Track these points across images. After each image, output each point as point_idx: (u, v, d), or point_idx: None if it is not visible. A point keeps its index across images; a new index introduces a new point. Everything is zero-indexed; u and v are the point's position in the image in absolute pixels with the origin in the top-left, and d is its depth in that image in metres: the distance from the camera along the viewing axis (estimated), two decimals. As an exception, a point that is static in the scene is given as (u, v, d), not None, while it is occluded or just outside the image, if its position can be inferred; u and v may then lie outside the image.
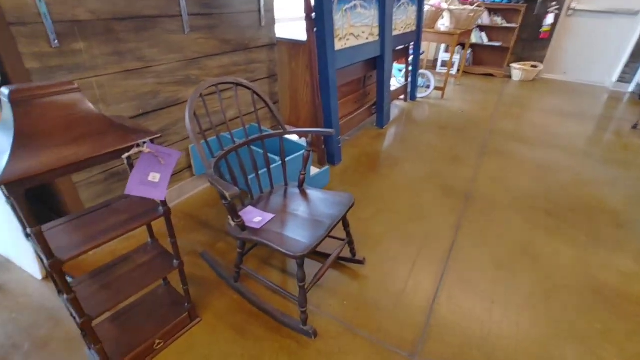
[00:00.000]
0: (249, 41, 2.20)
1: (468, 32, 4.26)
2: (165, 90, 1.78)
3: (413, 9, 3.40)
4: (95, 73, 1.48)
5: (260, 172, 1.66)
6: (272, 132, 1.47)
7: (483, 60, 5.55)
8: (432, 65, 5.82)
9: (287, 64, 2.57)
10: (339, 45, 2.31)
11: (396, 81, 4.39)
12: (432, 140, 3.00)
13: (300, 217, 1.29)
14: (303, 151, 1.66)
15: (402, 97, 4.02)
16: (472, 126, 3.35)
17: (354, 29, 2.46)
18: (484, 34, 5.29)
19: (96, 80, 1.49)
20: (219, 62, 2.03)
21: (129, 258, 1.16)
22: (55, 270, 0.83)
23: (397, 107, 3.85)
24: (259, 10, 2.20)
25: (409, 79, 3.95)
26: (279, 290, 1.32)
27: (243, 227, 1.21)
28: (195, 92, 1.21)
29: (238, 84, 1.37)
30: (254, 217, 1.30)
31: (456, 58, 5.20)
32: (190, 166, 2.07)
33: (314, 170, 2.24)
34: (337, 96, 2.39)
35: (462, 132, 3.20)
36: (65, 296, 0.87)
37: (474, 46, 5.41)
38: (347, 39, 2.40)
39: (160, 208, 1.02)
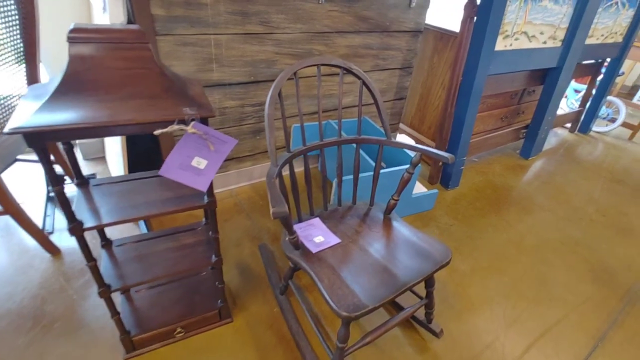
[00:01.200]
0: (391, 23, 1.88)
1: None
2: (282, 61, 1.64)
3: (628, 13, 2.49)
4: (215, 30, 1.42)
5: (344, 178, 1.40)
6: (369, 137, 1.17)
7: None
8: (628, 94, 4.42)
9: (429, 58, 2.16)
10: (502, 44, 1.79)
11: (566, 104, 3.44)
12: (594, 194, 2.21)
13: (371, 256, 0.99)
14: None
15: (568, 125, 3.12)
16: (668, 191, 2.35)
17: (530, 27, 1.87)
18: None
19: (215, 37, 1.43)
20: (349, 41, 1.78)
21: (176, 234, 1.07)
22: (76, 234, 0.75)
23: (556, 136, 3.01)
24: (412, -11, 1.84)
25: (587, 105, 3.01)
26: (315, 330, 1.08)
27: (297, 245, 0.98)
28: (288, 70, 0.99)
29: (347, 70, 1.10)
30: (316, 234, 1.06)
31: (671, 90, 3.79)
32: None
33: (419, 188, 1.86)
34: (477, 108, 1.89)
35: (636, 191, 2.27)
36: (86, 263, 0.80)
37: None
38: (516, 39, 1.85)
39: (205, 197, 0.86)
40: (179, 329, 1.08)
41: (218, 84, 1.53)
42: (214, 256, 1.00)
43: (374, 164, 1.55)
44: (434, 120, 2.23)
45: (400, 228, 1.12)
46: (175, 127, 0.66)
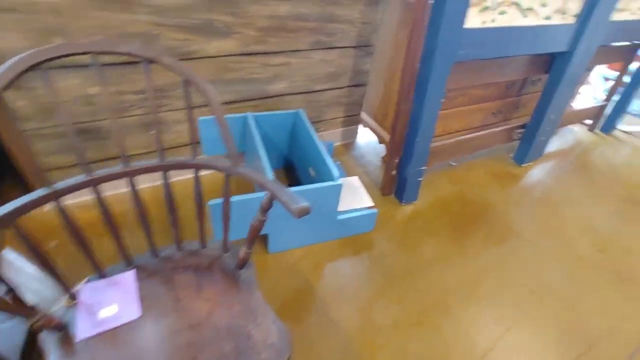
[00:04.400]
0: (333, -15, 1.43)
1: None
2: (167, 35, 1.25)
3: (683, -22, 1.85)
4: (54, -9, 1.05)
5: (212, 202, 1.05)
6: (207, 162, 0.80)
7: None
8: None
9: (394, 33, 1.68)
10: (478, 20, 1.31)
11: (592, 94, 2.83)
12: (596, 220, 1.73)
13: (165, 349, 0.66)
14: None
15: (587, 121, 2.55)
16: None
17: (525, -3, 1.36)
18: None
19: (48, 2, 1.05)
20: (272, 9, 1.36)
21: None
22: None
23: (570, 134, 2.46)
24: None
25: (614, 98, 2.42)
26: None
27: (51, 325, 0.66)
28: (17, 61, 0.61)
29: (152, 61, 0.71)
30: (110, 302, 0.73)
31: None
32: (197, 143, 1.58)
33: (362, 201, 1.48)
34: (438, 106, 1.44)
35: (672, 224, 1.77)
36: None
37: None
38: (502, 12, 1.35)
39: None
40: None
41: (75, 65, 1.18)
42: None
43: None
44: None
45: (243, 296, 0.77)
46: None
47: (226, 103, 1.52)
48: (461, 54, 1.34)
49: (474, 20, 1.30)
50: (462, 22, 1.26)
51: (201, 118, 1.42)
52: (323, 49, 1.57)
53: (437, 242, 1.50)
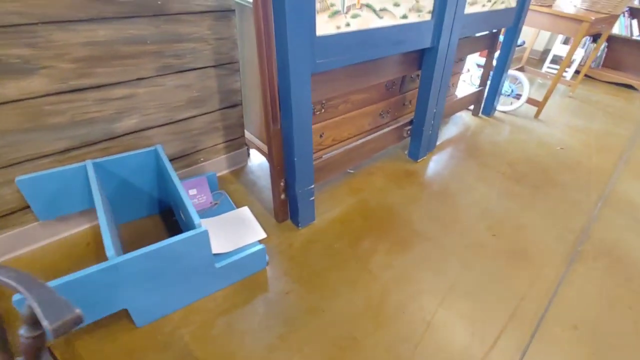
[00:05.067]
0: (166, 1, 1.23)
1: (611, 19, 2.65)
2: None
3: (518, -30, 2.02)
4: None
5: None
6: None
7: (621, 63, 3.73)
8: (539, 60, 4.15)
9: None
10: (330, 26, 1.22)
11: (470, 81, 3.04)
12: (490, 203, 1.79)
13: None
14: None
15: (471, 107, 2.71)
16: (572, 183, 2.00)
17: (374, -3, 1.32)
18: (635, 22, 3.47)
19: None
20: (85, 36, 1.11)
21: None
22: None
23: (460, 121, 2.58)
24: (189, -56, 1.19)
25: (488, 83, 2.60)
26: None
27: None
28: None
29: None
30: None
31: (578, 54, 3.53)
32: (27, 207, 1.26)
33: (250, 235, 1.30)
34: (309, 119, 1.32)
35: (551, 193, 1.90)
36: None
37: (612, 39, 3.62)
38: (355, 16, 1.29)
39: None
40: None
41: None
42: None
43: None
44: (282, 131, 1.65)
45: None
46: None
47: (60, 152, 1.23)
48: (320, 64, 1.24)
49: (326, 26, 1.21)
50: (312, 29, 1.16)
51: (18, 178, 1.12)
52: (175, 72, 1.36)
53: (341, 264, 1.39)
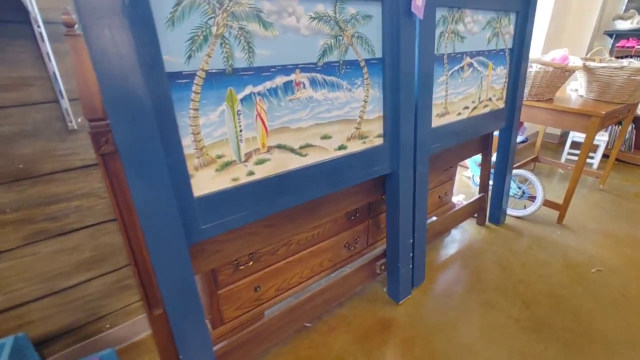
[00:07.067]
0: (33, 163, 1.03)
1: (630, 107, 2.27)
2: None
3: (497, 72, 1.76)
4: None
5: None
6: None
7: (659, 143, 3.22)
8: (558, 144, 3.74)
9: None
10: (218, 181, 0.94)
11: (472, 183, 2.66)
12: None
13: None
14: None
15: (475, 215, 2.28)
16: (619, 333, 1.42)
17: (310, 132, 1.05)
18: (663, 102, 3.04)
19: None
20: None
21: None
22: None
23: (461, 234, 2.13)
24: (58, 100, 1.02)
25: (490, 187, 2.20)
26: None
27: None
28: None
29: None
30: None
31: (601, 139, 3.09)
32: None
33: None
34: (196, 302, 0.95)
35: (589, 352, 1.33)
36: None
37: (639, 120, 3.19)
38: (259, 163, 1.01)
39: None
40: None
41: None
42: None
43: None
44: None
45: None
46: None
47: None
48: (207, 229, 0.93)
49: (213, 183, 0.93)
50: (187, 191, 0.87)
51: None
52: (52, 237, 1.11)
53: None
